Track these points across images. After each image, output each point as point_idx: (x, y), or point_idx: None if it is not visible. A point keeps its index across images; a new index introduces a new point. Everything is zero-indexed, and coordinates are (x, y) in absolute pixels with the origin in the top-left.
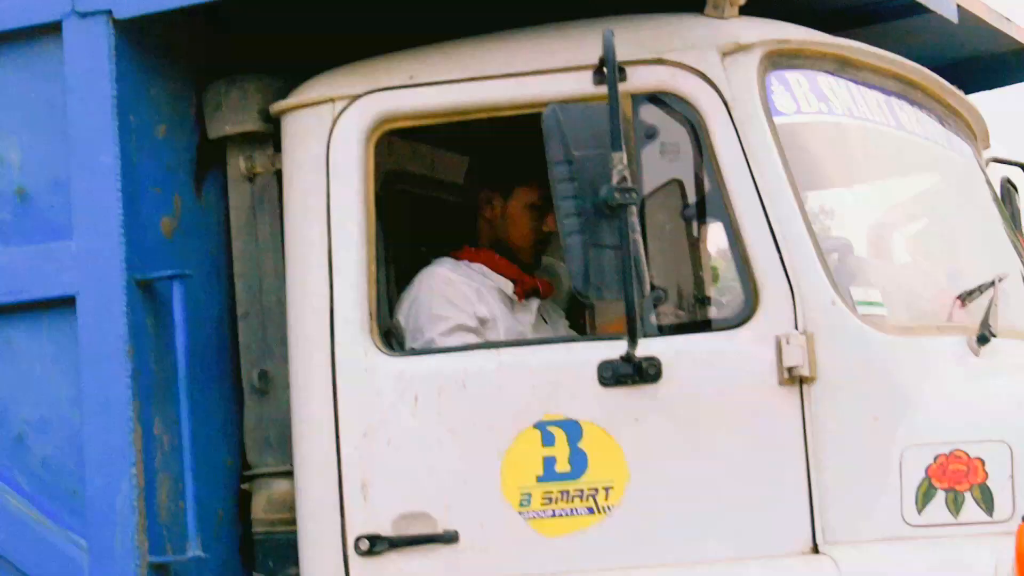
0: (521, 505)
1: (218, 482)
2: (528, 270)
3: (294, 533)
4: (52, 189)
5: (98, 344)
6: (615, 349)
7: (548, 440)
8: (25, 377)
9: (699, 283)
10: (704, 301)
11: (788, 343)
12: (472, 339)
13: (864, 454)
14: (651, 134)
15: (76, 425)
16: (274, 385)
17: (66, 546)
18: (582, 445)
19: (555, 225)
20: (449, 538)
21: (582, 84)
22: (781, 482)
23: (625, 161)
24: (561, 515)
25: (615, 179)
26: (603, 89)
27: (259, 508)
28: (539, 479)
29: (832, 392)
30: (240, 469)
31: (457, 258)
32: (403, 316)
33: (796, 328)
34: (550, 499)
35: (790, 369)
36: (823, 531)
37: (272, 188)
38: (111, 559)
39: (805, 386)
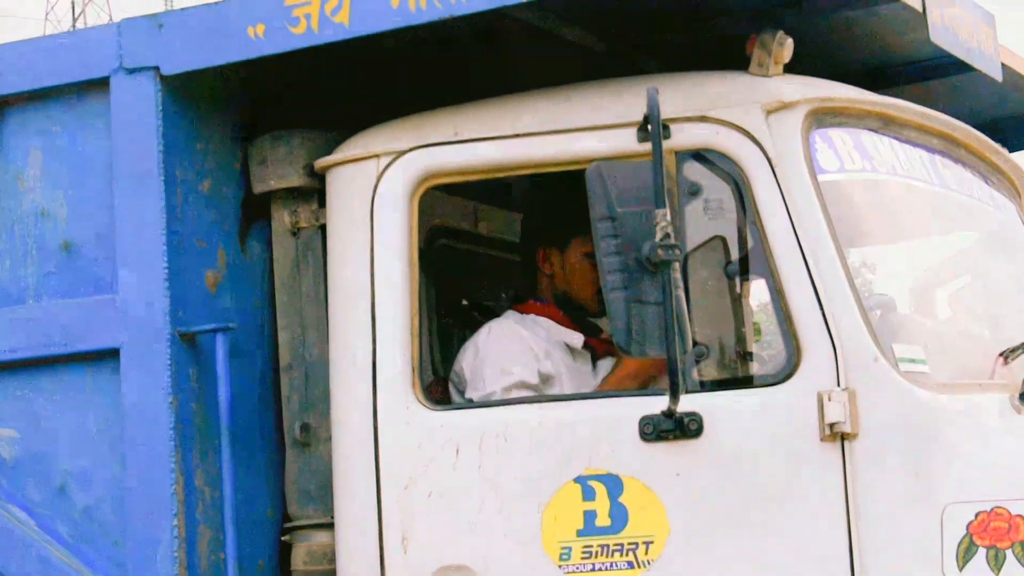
0: (561, 559)
1: (259, 533)
2: (594, 323)
3: None
4: (97, 243)
5: (141, 396)
6: (657, 405)
7: (589, 494)
8: (67, 428)
9: (741, 339)
10: (746, 357)
11: (830, 400)
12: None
13: (905, 510)
14: (695, 191)
15: (118, 476)
16: (316, 438)
17: None
18: (623, 499)
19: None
20: None
21: (626, 141)
22: (822, 539)
23: (668, 218)
24: (601, 569)
25: (658, 236)
26: (647, 146)
27: (299, 560)
28: (579, 533)
29: (874, 449)
30: (281, 521)
31: (522, 312)
32: (467, 366)
33: (838, 384)
34: (590, 553)
35: (831, 425)
36: None
37: (316, 242)
38: None
39: (847, 442)
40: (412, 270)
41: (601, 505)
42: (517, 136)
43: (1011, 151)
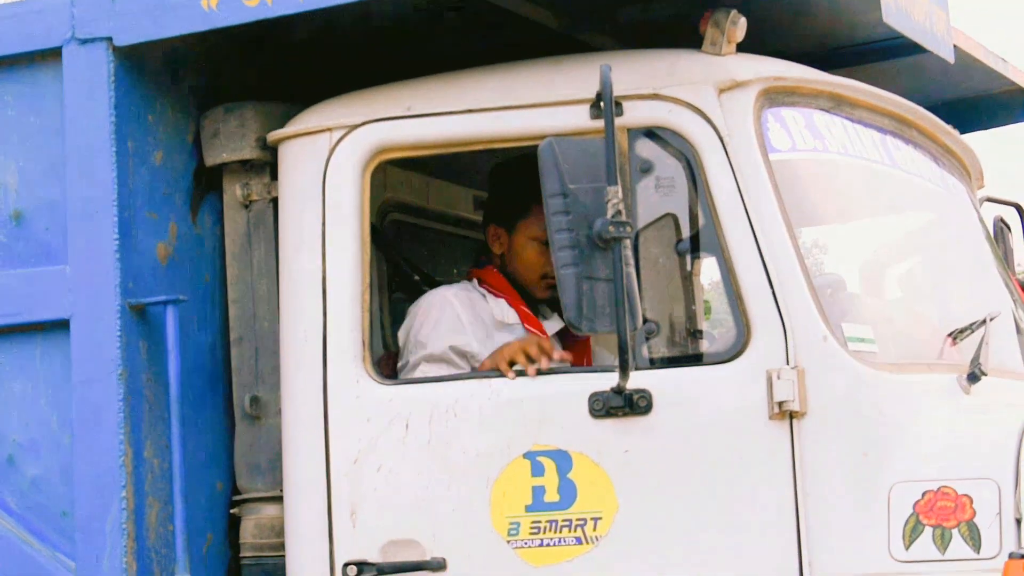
0: (509, 534)
1: (208, 506)
2: (539, 305)
3: (283, 558)
4: (48, 213)
5: (91, 367)
6: (606, 381)
7: (538, 470)
8: (16, 398)
9: (691, 317)
10: (696, 335)
11: (779, 378)
12: (445, 369)
13: (853, 489)
14: (646, 168)
15: (67, 447)
16: (266, 411)
17: (55, 567)
18: (571, 475)
19: None
20: (436, 566)
21: (579, 118)
22: (769, 516)
23: (620, 195)
24: (549, 544)
25: (610, 212)
26: (600, 123)
27: (248, 533)
28: (528, 508)
29: (822, 427)
30: (230, 494)
31: (481, 278)
32: (402, 334)
33: (787, 363)
34: (538, 528)
35: (780, 404)
36: (810, 566)
37: (268, 216)
38: None
39: (795, 421)
40: (363, 244)
41: (550, 481)
42: (470, 112)
43: (962, 133)
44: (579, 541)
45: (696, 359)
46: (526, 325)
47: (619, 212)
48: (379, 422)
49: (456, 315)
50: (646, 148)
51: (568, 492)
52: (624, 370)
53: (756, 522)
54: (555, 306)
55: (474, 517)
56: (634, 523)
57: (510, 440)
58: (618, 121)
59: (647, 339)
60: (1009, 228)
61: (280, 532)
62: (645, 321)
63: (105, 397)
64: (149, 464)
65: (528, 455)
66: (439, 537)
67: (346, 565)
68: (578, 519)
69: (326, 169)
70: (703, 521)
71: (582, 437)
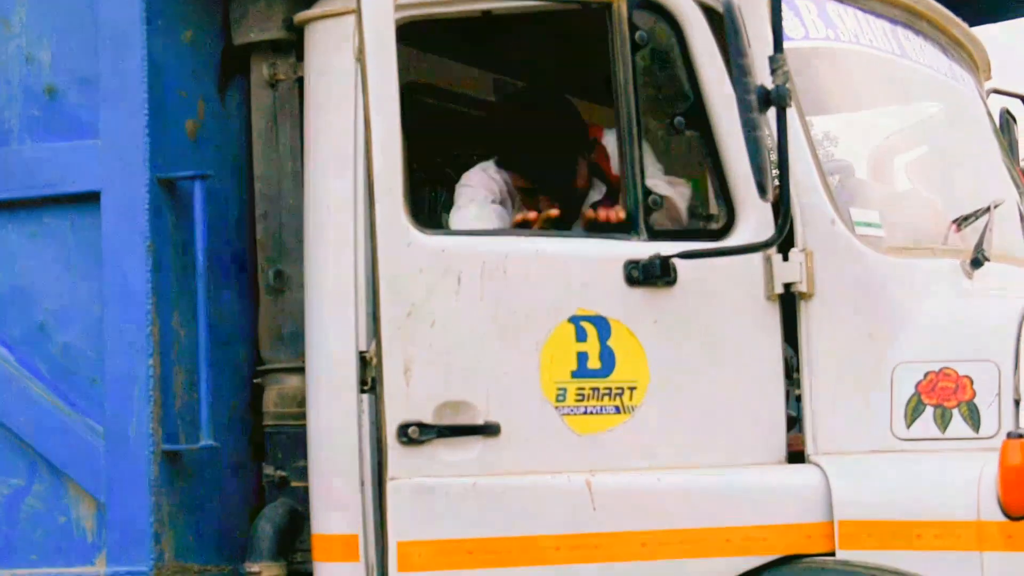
0: (557, 400)
1: (232, 376)
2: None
3: (303, 427)
4: (81, 88)
5: (120, 239)
6: (641, 249)
7: (581, 336)
8: (49, 268)
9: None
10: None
11: (786, 259)
12: (489, 209)
13: (857, 369)
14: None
15: (96, 316)
16: (289, 284)
17: (84, 431)
18: (610, 343)
19: (548, 206)
20: (492, 431)
21: None
22: (777, 393)
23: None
24: (592, 412)
25: (780, 79)
26: None
27: (270, 402)
28: (573, 374)
29: (828, 308)
30: (254, 364)
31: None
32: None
33: (796, 245)
34: (583, 396)
35: (787, 285)
36: (814, 440)
37: (293, 95)
38: (126, 445)
39: (803, 302)
40: (395, 113)
41: (592, 347)
42: None
43: (971, 26)
44: (617, 410)
45: (711, 236)
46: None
47: (788, 78)
48: (432, 273)
49: (490, 182)
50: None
51: (608, 360)
52: (780, 232)
53: (763, 398)
54: None
55: (526, 381)
56: (663, 395)
57: (556, 302)
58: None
59: (687, 215)
60: (1015, 119)
61: (301, 402)
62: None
63: (134, 268)
64: (176, 334)
65: (573, 319)
66: (493, 400)
67: (405, 426)
68: (616, 388)
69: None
70: (719, 396)
71: (619, 304)
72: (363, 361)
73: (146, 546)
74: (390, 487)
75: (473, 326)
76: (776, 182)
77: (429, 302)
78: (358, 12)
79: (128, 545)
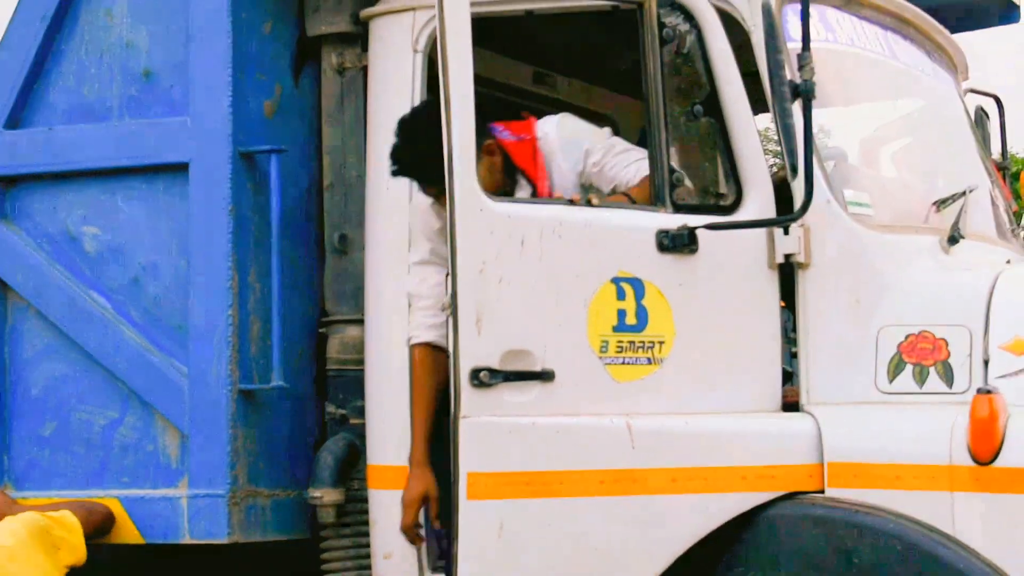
0: (601, 351)
1: (300, 326)
2: None
3: (361, 371)
4: (174, 71)
5: (205, 203)
6: (669, 220)
7: (621, 295)
8: (143, 228)
9: (717, 174)
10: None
11: (787, 233)
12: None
13: (846, 331)
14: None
15: (183, 271)
16: (351, 246)
17: (171, 372)
18: (644, 302)
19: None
20: (547, 376)
21: None
22: (776, 351)
23: (813, 61)
24: (629, 363)
25: (808, 74)
26: None
27: (333, 349)
28: (614, 329)
29: (822, 277)
30: (319, 316)
31: None
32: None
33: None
34: (622, 347)
35: (788, 255)
36: (807, 393)
37: (358, 82)
38: (207, 384)
39: (800, 271)
40: (470, 96)
41: (629, 305)
42: None
43: (952, 32)
44: (649, 361)
45: (723, 210)
46: None
47: (814, 73)
48: (500, 235)
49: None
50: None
51: (642, 317)
52: (804, 209)
53: (764, 356)
54: None
55: (575, 334)
56: (685, 348)
57: (601, 265)
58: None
59: (704, 191)
60: (987, 116)
61: (360, 350)
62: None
63: (217, 229)
64: (252, 288)
65: (614, 280)
66: (549, 350)
67: (477, 371)
68: (648, 341)
69: (414, 44)
70: (731, 351)
71: (651, 268)
72: None
73: (223, 472)
74: (462, 424)
75: (533, 284)
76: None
77: (497, 261)
78: (440, 6)
79: (207, 471)
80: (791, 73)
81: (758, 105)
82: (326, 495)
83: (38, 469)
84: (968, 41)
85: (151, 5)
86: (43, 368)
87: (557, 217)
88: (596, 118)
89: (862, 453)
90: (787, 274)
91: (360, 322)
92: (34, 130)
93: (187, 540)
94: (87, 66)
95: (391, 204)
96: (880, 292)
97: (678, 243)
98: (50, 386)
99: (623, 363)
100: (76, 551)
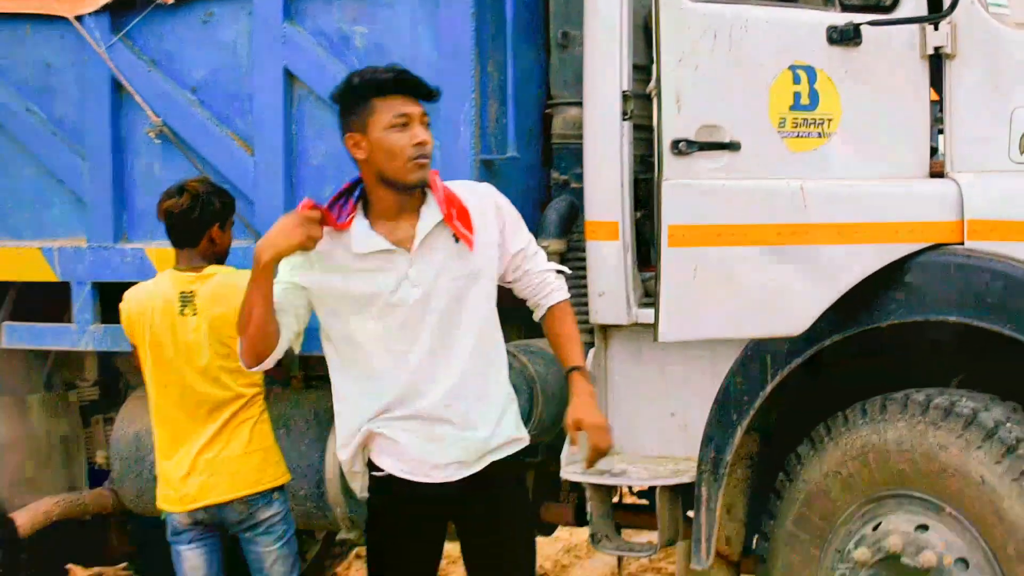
0: (779, 126)
1: (530, 107)
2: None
3: (581, 143)
4: None
5: (452, 7)
6: (838, 17)
7: (797, 80)
8: (402, 28)
9: None
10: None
11: (937, 29)
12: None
13: (984, 111)
14: None
15: (435, 64)
16: (572, 42)
17: None
18: (816, 86)
19: (425, 135)
20: (735, 147)
21: None
22: (925, 127)
23: None
24: (803, 136)
25: None
26: None
27: (557, 126)
28: (791, 108)
29: (966, 66)
30: (545, 99)
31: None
32: None
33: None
34: (796, 123)
35: (937, 48)
36: (951, 162)
37: None
38: (456, 155)
39: (947, 61)
40: None
41: (803, 89)
42: None
43: None
44: (819, 135)
45: (884, 9)
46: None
47: None
48: (696, 30)
49: None
50: None
51: (814, 98)
52: (953, 7)
53: (914, 129)
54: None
55: (759, 111)
56: (851, 125)
57: (780, 53)
58: None
59: None
60: None
61: (579, 126)
62: None
63: (462, 29)
64: (491, 76)
65: (791, 67)
66: (736, 125)
67: (677, 142)
68: (819, 119)
69: None
70: (886, 124)
71: (822, 57)
72: (624, 98)
73: None
74: (665, 185)
75: (723, 70)
76: None
77: (694, 51)
78: None
79: None
80: None
81: None
82: (552, 244)
83: None
84: None
85: None
86: (319, 145)
87: (743, 15)
88: None
89: (996, 211)
90: (935, 66)
91: (579, 104)
92: None
93: None
94: None
95: (606, 6)
96: (1015, 78)
97: (845, 36)
98: (327, 159)
99: (797, 136)
100: None
